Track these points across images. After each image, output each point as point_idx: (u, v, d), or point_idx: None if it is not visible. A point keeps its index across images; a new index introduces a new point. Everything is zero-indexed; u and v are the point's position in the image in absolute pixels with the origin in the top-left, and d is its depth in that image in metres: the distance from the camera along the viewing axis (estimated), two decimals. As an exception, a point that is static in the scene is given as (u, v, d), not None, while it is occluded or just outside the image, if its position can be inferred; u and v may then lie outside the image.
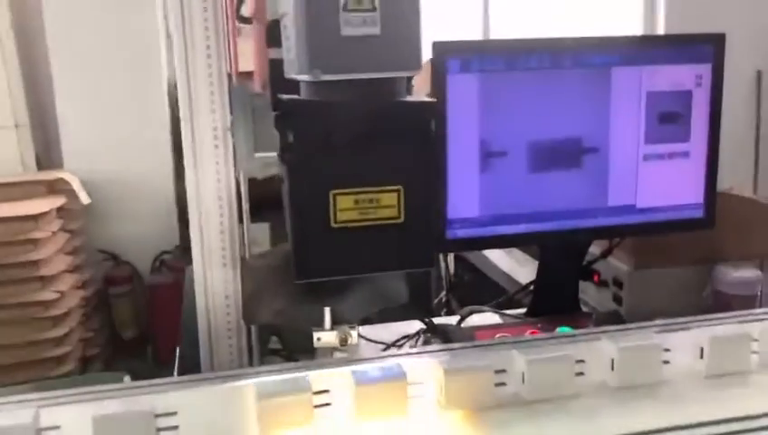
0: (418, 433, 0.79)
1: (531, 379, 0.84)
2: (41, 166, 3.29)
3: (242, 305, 1.03)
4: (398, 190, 0.71)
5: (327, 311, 0.97)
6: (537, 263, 1.98)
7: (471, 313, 1.45)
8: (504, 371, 0.85)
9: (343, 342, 0.97)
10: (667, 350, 0.90)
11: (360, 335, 1.03)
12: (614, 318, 1.31)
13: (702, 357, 0.91)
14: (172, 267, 3.48)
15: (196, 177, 1.02)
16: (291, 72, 0.72)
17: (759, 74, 4.16)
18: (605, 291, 1.50)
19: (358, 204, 0.70)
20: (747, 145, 4.17)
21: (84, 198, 3.09)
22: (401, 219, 0.71)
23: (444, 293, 2.41)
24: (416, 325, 1.39)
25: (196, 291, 1.05)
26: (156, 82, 3.47)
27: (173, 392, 0.83)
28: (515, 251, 2.11)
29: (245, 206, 1.05)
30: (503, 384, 0.85)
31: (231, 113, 1.01)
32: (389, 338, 1.32)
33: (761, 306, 1.36)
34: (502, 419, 0.82)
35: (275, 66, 0.85)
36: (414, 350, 1.17)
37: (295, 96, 0.72)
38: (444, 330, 1.31)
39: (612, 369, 0.88)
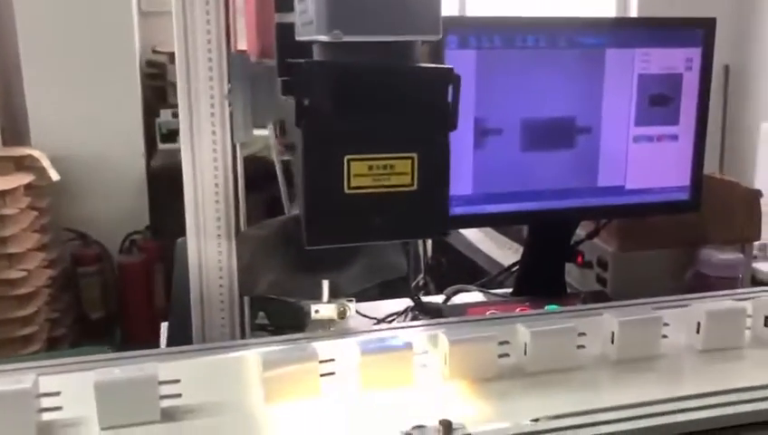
0: (424, 402, 0.78)
1: (533, 350, 0.84)
2: (6, 142, 3.21)
3: (237, 277, 1.01)
4: (411, 158, 0.70)
5: (325, 283, 0.96)
6: (517, 246, 1.99)
7: (458, 291, 1.46)
8: (507, 342, 0.85)
9: (342, 314, 0.96)
10: (666, 324, 0.91)
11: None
12: (601, 298, 1.33)
13: (698, 332, 0.92)
14: (142, 248, 3.43)
15: (191, 145, 1.00)
16: (305, 35, 0.70)
17: (726, 69, 4.24)
18: (588, 272, 1.51)
19: (372, 170, 0.69)
20: (713, 138, 4.26)
21: (54, 176, 3.03)
22: (414, 187, 0.71)
23: (421, 275, 2.42)
24: (403, 304, 1.39)
25: (190, 262, 1.03)
26: (128, 59, 3.41)
27: (174, 361, 0.81)
28: (495, 234, 2.13)
29: (241, 177, 1.03)
30: (506, 356, 0.85)
31: (228, 81, 0.99)
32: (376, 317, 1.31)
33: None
34: (504, 389, 0.82)
35: (281, 31, 0.84)
36: (415, 323, 1.16)
37: (309, 60, 0.70)
38: (435, 308, 1.31)
39: (612, 342, 0.89)
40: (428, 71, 0.70)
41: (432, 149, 0.71)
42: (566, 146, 1.27)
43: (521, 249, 1.98)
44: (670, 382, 0.86)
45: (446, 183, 0.72)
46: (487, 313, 1.25)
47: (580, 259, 1.53)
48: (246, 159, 1.11)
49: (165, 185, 3.40)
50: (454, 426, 0.63)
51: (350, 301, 0.98)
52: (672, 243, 1.43)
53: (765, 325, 0.95)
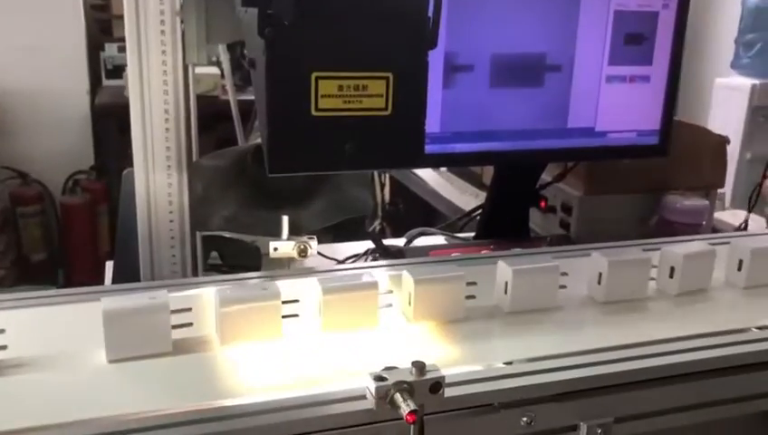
0: (389, 344, 0.74)
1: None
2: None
3: (190, 211, 0.94)
4: (386, 78, 0.64)
5: (285, 219, 0.90)
6: (478, 190, 1.96)
7: (420, 234, 1.41)
8: (474, 283, 0.80)
9: (302, 253, 0.90)
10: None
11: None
12: (566, 243, 1.30)
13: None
14: (86, 188, 3.30)
15: (139, 66, 0.91)
16: (269, -65, 0.63)
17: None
18: (552, 217, 1.49)
19: (342, 90, 0.63)
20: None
21: (-11, 109, 2.86)
22: (388, 112, 0.64)
23: (379, 220, 2.37)
24: (363, 246, 1.34)
25: (137, 196, 0.95)
26: (70, -11, 3.21)
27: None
28: (455, 178, 2.09)
29: (194, 101, 0.95)
30: (472, 297, 0.80)
31: (180, -4, 0.90)
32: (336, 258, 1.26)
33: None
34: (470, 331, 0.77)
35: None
36: (379, 262, 1.10)
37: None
38: (396, 250, 1.26)
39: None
40: (407, -20, 0.63)
41: (409, 69, 0.64)
42: (538, 84, 1.21)
43: (482, 194, 1.95)
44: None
45: (423, 108, 0.66)
46: (451, 255, 1.21)
47: (543, 203, 1.50)
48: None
49: (111, 123, 3.26)
50: (427, 368, 0.58)
51: (312, 238, 0.91)
52: (638, 187, 1.40)
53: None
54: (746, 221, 1.54)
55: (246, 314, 0.69)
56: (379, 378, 0.57)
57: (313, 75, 0.62)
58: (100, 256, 3.22)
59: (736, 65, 3.46)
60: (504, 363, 0.70)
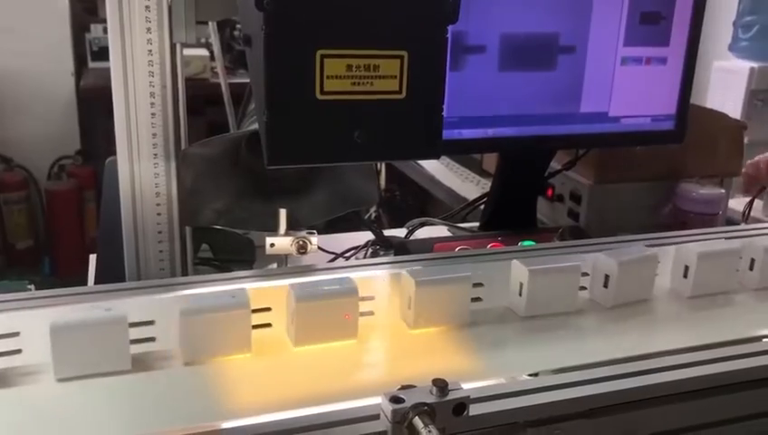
0: (389, 357, 0.67)
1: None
2: None
3: (178, 204, 0.86)
4: (401, 57, 0.56)
5: (282, 212, 0.82)
6: (479, 178, 1.89)
7: (422, 224, 1.34)
8: (481, 284, 0.73)
9: (301, 249, 0.83)
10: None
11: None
12: (578, 232, 1.23)
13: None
14: (72, 173, 3.21)
15: (121, 46, 0.83)
16: None
17: None
18: (559, 206, 1.42)
19: (351, 71, 0.55)
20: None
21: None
22: (402, 95, 0.57)
23: (374, 208, 2.29)
24: (362, 237, 1.27)
25: (121, 187, 0.87)
26: (53, -34, 3.10)
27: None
28: (456, 165, 2.02)
29: (182, 85, 0.87)
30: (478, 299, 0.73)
31: (167, -32, 0.82)
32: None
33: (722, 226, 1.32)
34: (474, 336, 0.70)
35: None
36: (375, 260, 1.03)
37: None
38: (398, 242, 1.19)
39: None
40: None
41: (426, 47, 0.57)
42: (549, 66, 1.14)
43: (483, 181, 1.88)
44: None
45: (441, 92, 0.59)
46: (456, 249, 1.14)
47: (550, 192, 1.44)
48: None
49: (97, 106, 3.16)
50: (449, 387, 0.52)
51: (312, 233, 0.84)
52: (651, 175, 1.34)
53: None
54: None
55: (211, 325, 0.61)
56: (395, 399, 0.50)
57: (319, 53, 0.54)
58: (88, 242, 3.14)
59: (734, 48, 3.39)
60: (529, 376, 0.64)
